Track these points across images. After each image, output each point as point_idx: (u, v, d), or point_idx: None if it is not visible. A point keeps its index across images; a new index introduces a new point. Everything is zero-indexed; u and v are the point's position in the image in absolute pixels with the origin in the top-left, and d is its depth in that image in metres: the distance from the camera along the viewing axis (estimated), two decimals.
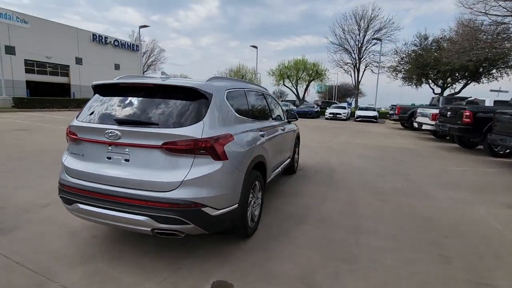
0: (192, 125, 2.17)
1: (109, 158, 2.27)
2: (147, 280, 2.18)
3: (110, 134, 2.20)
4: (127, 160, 2.22)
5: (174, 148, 2.11)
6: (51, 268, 2.27)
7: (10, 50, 27.09)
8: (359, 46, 33.01)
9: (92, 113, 2.44)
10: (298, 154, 5.77)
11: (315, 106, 28.12)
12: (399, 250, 2.75)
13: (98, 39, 35.16)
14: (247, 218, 2.72)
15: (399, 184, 5.05)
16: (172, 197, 2.08)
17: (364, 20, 31.97)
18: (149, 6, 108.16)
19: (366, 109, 25.57)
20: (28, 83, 28.83)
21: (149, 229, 2.13)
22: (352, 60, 34.24)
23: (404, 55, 28.46)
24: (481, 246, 2.90)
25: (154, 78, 2.69)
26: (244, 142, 2.60)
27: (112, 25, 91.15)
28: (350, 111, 27.39)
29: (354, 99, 38.38)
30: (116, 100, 2.44)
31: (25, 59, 28.39)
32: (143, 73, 49.74)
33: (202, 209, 2.13)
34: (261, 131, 3.15)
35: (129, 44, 39.36)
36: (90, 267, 2.32)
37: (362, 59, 33.60)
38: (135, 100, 2.38)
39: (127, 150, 2.21)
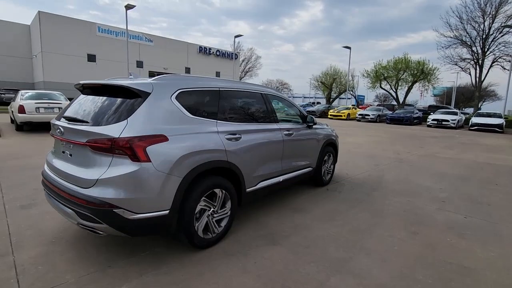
0: (114, 123, 2.14)
1: (63, 152, 2.48)
2: (75, 271, 2.26)
3: (57, 130, 2.40)
4: (71, 155, 2.37)
5: (94, 146, 2.13)
6: (24, 244, 2.64)
7: (140, 64, 34.01)
8: (484, 36, 26.39)
9: (64, 111, 2.72)
10: (333, 164, 5.01)
11: (415, 111, 24.11)
12: None
13: (203, 50, 40.13)
14: (195, 227, 2.49)
15: (461, 216, 3.71)
16: (86, 194, 2.09)
17: (491, 5, 25.36)
18: (257, 17, 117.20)
19: (488, 115, 20.20)
20: None
21: (76, 223, 2.21)
22: (472, 55, 27.71)
23: None
24: None
25: (122, 79, 2.79)
26: (188, 144, 2.39)
27: (226, 38, 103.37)
28: (463, 118, 22.29)
29: (479, 102, 30.93)
30: (79, 99, 2.66)
31: (149, 71, 35.06)
32: (240, 79, 53.96)
33: (115, 210, 2.06)
34: (233, 134, 2.85)
35: (228, 53, 43.31)
36: (49, 248, 2.58)
37: (488, 52, 26.73)
38: (87, 99, 2.54)
39: (71, 145, 2.36)
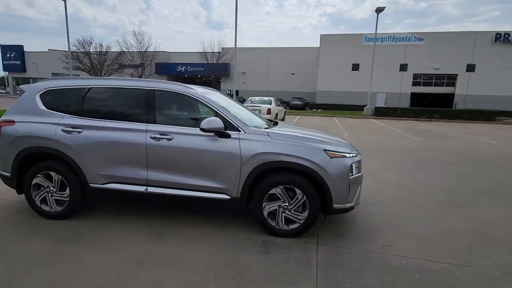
0: None
1: None
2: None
3: None
4: None
5: None
6: None
7: (403, 67, 31.71)
8: None
9: None
10: (311, 211, 2.84)
11: None
12: None
13: (503, 38, 28.98)
14: (32, 196, 3.17)
15: None
16: None
17: None
18: None
19: None
20: (412, 94, 31.98)
21: None
22: None
23: None
24: None
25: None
26: (25, 129, 3.10)
27: None
28: None
29: None
30: None
31: (413, 73, 31.65)
32: None
33: None
34: (74, 127, 3.05)
35: None
36: None
37: None
38: None
39: None
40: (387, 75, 31.56)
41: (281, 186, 2.85)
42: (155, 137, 2.97)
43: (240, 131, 2.93)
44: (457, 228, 3.30)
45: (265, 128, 3.17)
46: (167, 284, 2.15)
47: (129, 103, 3.20)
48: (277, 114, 13.71)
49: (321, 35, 33.46)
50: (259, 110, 12.81)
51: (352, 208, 3.01)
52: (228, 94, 38.65)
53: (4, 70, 49.16)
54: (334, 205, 2.86)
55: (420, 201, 4.12)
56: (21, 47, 47.45)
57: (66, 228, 3.01)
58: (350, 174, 2.90)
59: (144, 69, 40.54)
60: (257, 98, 14.69)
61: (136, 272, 2.29)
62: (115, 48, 37.27)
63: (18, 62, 47.26)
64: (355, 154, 3.04)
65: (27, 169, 3.19)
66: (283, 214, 2.91)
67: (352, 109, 29.96)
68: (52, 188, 3.16)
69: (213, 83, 41.74)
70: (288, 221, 2.92)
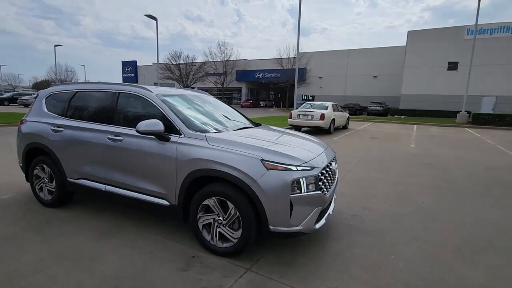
0: None
1: None
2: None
3: None
4: None
5: None
6: None
7: None
8: None
9: None
10: (242, 228, 2.45)
11: None
12: None
13: None
14: (34, 185, 3.74)
15: None
16: None
17: None
18: None
19: None
20: None
21: None
22: None
23: None
24: None
25: None
26: (29, 127, 3.68)
27: None
28: None
29: None
30: None
31: None
32: None
33: None
34: (58, 127, 3.43)
35: None
36: None
37: None
38: None
39: None
40: (498, 74, 25.51)
41: (213, 198, 2.54)
42: (110, 137, 3.07)
43: (181, 135, 2.75)
44: (466, 283, 2.30)
45: (214, 132, 2.90)
46: (59, 285, 2.15)
47: (100, 105, 3.39)
48: (333, 119, 12.64)
49: (408, 31, 29.47)
50: (312, 115, 12.10)
51: (301, 233, 2.45)
52: (304, 99, 36.91)
53: (123, 82, 61.03)
54: (271, 227, 2.37)
55: (439, 239, 3.06)
56: (135, 62, 57.73)
57: (46, 216, 3.39)
58: (298, 191, 2.37)
59: (226, 76, 43.70)
60: (317, 103, 13.88)
61: (49, 267, 2.37)
62: (201, 59, 41.47)
63: (132, 75, 57.64)
64: (309, 168, 2.47)
65: (31, 161, 3.76)
66: (218, 229, 2.58)
67: (446, 115, 25.35)
68: (46, 179, 3.63)
69: (287, 88, 41.73)
70: (223, 238, 2.58)
